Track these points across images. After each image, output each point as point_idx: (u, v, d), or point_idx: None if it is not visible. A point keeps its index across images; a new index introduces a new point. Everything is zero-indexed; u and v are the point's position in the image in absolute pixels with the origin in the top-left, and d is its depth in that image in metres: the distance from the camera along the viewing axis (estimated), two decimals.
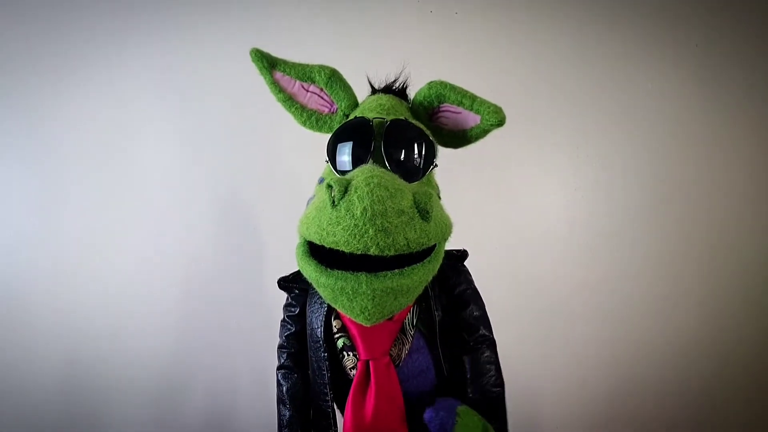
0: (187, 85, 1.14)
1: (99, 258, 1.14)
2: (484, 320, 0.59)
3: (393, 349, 0.53)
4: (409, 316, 0.54)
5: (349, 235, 0.39)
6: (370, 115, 0.51)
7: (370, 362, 0.52)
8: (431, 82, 0.54)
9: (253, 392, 1.16)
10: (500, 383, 0.56)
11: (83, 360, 1.15)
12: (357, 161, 0.48)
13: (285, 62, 0.56)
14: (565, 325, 1.18)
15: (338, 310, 0.46)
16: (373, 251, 0.39)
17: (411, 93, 0.59)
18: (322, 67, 0.55)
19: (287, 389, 0.60)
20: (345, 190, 0.40)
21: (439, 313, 0.55)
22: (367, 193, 0.39)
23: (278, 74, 0.56)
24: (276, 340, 0.64)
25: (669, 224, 1.18)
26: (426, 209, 0.41)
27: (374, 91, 0.59)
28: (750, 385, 1.20)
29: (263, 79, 0.55)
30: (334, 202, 0.40)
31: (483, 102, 0.51)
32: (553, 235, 1.17)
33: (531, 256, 1.17)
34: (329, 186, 0.40)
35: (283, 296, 0.64)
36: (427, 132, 0.51)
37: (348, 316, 0.46)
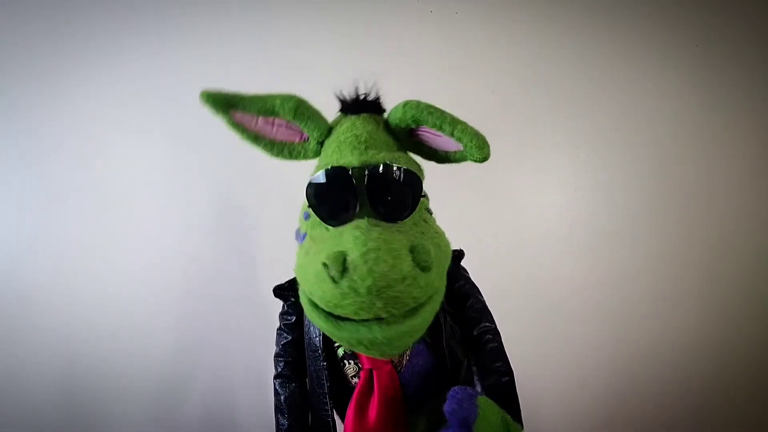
0: (186, 85, 1.14)
1: (98, 258, 1.14)
2: (485, 312, 0.59)
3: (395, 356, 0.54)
4: None
5: (357, 308, 0.39)
6: (346, 151, 0.48)
7: (374, 371, 0.52)
8: (406, 102, 0.49)
9: (252, 392, 1.16)
10: (509, 371, 0.56)
11: (83, 360, 1.15)
12: (343, 213, 0.46)
13: (243, 99, 0.50)
14: (565, 325, 1.18)
15: (358, 352, 0.47)
16: (384, 316, 0.40)
17: (387, 105, 0.56)
18: (284, 99, 0.50)
19: (285, 398, 0.59)
20: (342, 267, 0.39)
21: (445, 320, 0.56)
22: (368, 271, 0.38)
23: (238, 114, 0.50)
24: (272, 341, 0.63)
25: (669, 224, 1.18)
26: (425, 263, 0.41)
27: (345, 107, 0.55)
28: (750, 385, 1.20)
29: (222, 121, 0.49)
30: (333, 280, 0.39)
31: (465, 130, 0.47)
32: (553, 235, 1.17)
33: (531, 256, 1.17)
34: (324, 265, 0.39)
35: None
36: (412, 167, 0.48)
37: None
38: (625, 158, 1.17)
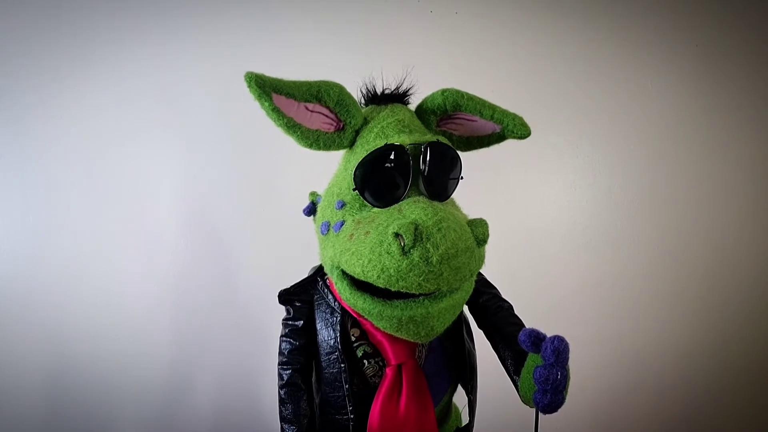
0: (188, 86, 1.14)
1: (98, 258, 1.14)
2: (486, 283, 0.62)
3: (416, 351, 0.54)
4: None
5: (422, 280, 0.40)
6: (392, 134, 0.50)
7: (402, 366, 0.52)
8: (445, 90, 0.53)
9: (251, 393, 1.16)
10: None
11: (83, 360, 1.15)
12: (394, 192, 0.47)
13: (288, 83, 0.47)
14: (565, 325, 1.17)
15: (400, 336, 0.46)
16: (445, 288, 0.42)
17: (415, 98, 0.58)
18: (329, 85, 0.49)
19: (295, 409, 0.56)
20: (414, 236, 0.39)
21: (463, 314, 0.57)
22: (441, 239, 0.40)
23: (280, 98, 0.47)
24: (269, 342, 0.62)
25: (669, 224, 1.18)
26: (482, 235, 0.44)
27: (374, 98, 0.56)
28: (751, 385, 1.20)
29: (261, 106, 0.46)
30: (404, 250, 0.39)
31: (505, 112, 0.53)
32: (553, 234, 1.17)
33: (531, 256, 1.17)
34: (397, 234, 0.40)
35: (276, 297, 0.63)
36: (455, 149, 0.51)
37: (398, 335, 0.47)
38: (625, 158, 1.17)
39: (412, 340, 0.47)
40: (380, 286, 0.42)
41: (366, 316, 0.47)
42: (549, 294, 1.17)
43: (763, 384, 1.20)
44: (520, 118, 0.53)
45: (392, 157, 0.47)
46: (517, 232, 1.16)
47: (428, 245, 0.39)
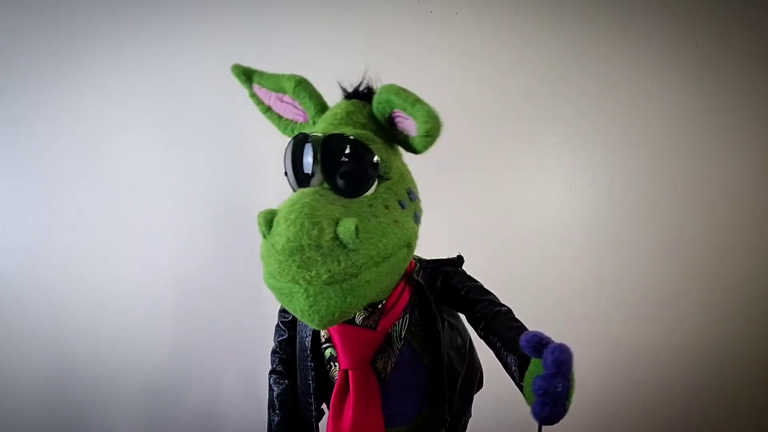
0: (188, 86, 1.14)
1: (99, 258, 1.15)
2: (483, 290, 0.56)
3: (378, 361, 0.52)
4: (396, 327, 0.52)
5: (279, 268, 0.40)
6: (322, 125, 0.51)
7: (350, 372, 0.51)
8: (383, 85, 0.49)
9: (250, 394, 1.16)
10: (503, 304, 0.54)
11: (82, 360, 1.15)
12: (301, 179, 0.49)
13: (260, 74, 0.57)
14: (565, 326, 1.18)
15: (289, 311, 0.45)
16: (301, 284, 0.40)
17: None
18: (290, 77, 0.54)
19: (277, 394, 0.60)
20: (269, 226, 0.41)
21: (443, 327, 0.54)
22: (284, 229, 0.39)
23: (256, 87, 0.57)
24: (268, 343, 0.63)
25: (669, 224, 1.18)
26: (348, 241, 0.40)
27: (346, 94, 0.57)
28: (751, 385, 1.20)
29: (245, 91, 0.57)
30: (263, 235, 0.42)
31: (421, 107, 0.44)
32: (553, 235, 1.17)
33: (530, 256, 1.17)
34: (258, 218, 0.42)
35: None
36: (370, 144, 0.47)
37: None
38: (625, 158, 1.17)
39: (309, 325, 0.45)
40: (264, 265, 0.44)
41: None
42: (549, 294, 1.17)
43: (764, 384, 1.20)
44: (430, 112, 0.44)
45: (297, 147, 0.48)
46: (517, 233, 1.16)
47: (274, 233, 0.40)
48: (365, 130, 0.49)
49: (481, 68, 1.14)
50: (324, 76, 0.59)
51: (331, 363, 0.55)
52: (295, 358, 0.60)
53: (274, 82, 0.55)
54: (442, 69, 1.13)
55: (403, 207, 0.49)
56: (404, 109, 0.46)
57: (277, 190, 1.12)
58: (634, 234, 1.18)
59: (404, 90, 0.47)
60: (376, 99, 0.49)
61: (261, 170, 1.14)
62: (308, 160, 0.47)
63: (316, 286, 0.40)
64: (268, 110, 0.58)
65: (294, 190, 0.50)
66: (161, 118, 1.14)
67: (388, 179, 0.49)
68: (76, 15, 1.12)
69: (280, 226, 0.40)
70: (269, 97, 0.57)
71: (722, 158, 1.18)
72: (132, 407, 1.17)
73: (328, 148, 0.46)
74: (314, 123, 0.55)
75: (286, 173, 0.51)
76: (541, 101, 1.15)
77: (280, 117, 0.58)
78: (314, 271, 0.39)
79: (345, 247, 0.40)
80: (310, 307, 0.41)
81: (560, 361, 0.37)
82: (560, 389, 0.37)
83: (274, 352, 0.63)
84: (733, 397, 1.20)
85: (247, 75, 0.57)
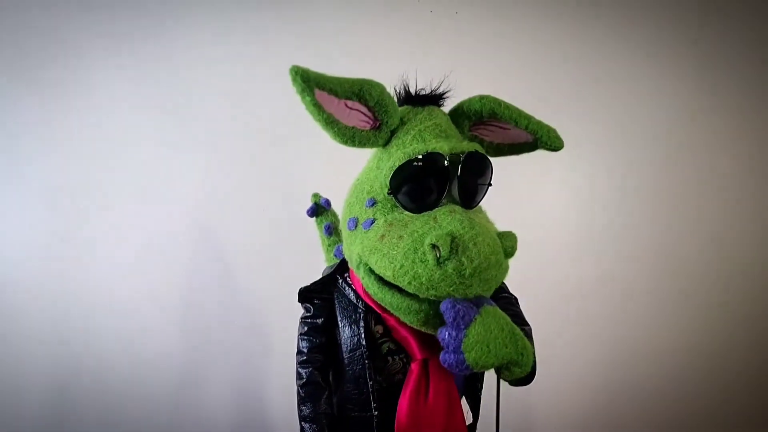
0: (188, 86, 1.14)
1: (99, 258, 1.14)
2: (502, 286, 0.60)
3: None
4: None
5: (452, 290, 0.41)
6: (430, 138, 0.50)
7: (429, 361, 0.52)
8: (483, 96, 0.55)
9: (252, 395, 1.16)
10: (527, 324, 0.57)
11: (83, 360, 1.15)
12: (428, 197, 0.48)
13: (330, 80, 0.47)
14: (565, 324, 1.18)
15: (426, 330, 0.47)
16: (470, 295, 0.43)
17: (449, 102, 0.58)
18: (371, 85, 0.49)
19: (315, 407, 0.56)
20: (450, 248, 0.41)
21: None
22: (476, 253, 0.41)
23: (318, 92, 0.47)
24: (275, 344, 0.62)
25: (668, 224, 1.18)
26: (511, 248, 0.45)
27: (408, 99, 0.56)
28: (750, 385, 1.20)
29: (301, 100, 0.46)
30: (439, 261, 0.41)
31: (540, 123, 0.55)
32: (553, 234, 1.17)
33: (530, 256, 1.17)
34: (433, 246, 0.41)
35: (284, 297, 0.63)
36: (488, 157, 0.52)
37: (424, 329, 0.47)
38: (624, 158, 1.17)
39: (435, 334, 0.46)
40: (410, 291, 0.43)
41: (393, 311, 0.47)
42: (549, 294, 1.17)
43: (763, 384, 1.20)
44: (554, 131, 0.55)
45: (432, 164, 0.47)
46: (517, 232, 1.16)
47: (463, 258, 0.41)
48: (472, 142, 0.52)
49: (481, 68, 1.14)
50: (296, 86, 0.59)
51: (389, 357, 0.54)
52: (329, 365, 0.58)
53: (348, 88, 0.48)
54: (442, 69, 1.13)
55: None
56: (516, 123, 0.54)
57: (288, 191, 1.12)
58: (633, 234, 1.18)
59: (510, 104, 0.55)
60: (473, 106, 0.55)
61: (269, 173, 1.14)
62: (441, 178, 0.48)
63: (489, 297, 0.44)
64: (330, 119, 0.48)
65: (405, 207, 0.49)
66: (165, 118, 1.14)
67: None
68: (76, 16, 1.12)
69: (470, 251, 0.41)
70: (334, 104, 0.48)
71: (722, 157, 1.18)
72: (134, 408, 1.17)
73: (470, 168, 0.49)
74: (389, 131, 0.53)
75: (383, 196, 0.50)
76: (541, 101, 1.15)
77: (344, 125, 0.49)
78: (489, 286, 0.43)
79: (507, 256, 0.45)
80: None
81: (443, 311, 0.42)
82: (447, 338, 0.41)
83: (304, 363, 0.58)
84: (733, 396, 1.20)
85: (314, 80, 0.45)
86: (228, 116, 1.14)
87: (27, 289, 1.14)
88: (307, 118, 0.48)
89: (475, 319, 0.41)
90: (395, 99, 0.54)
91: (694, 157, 1.18)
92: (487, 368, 0.43)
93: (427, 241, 0.41)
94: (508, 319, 0.45)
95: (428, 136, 0.51)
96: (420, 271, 0.41)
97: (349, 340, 0.55)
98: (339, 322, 0.56)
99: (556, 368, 1.17)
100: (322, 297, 0.58)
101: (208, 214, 1.15)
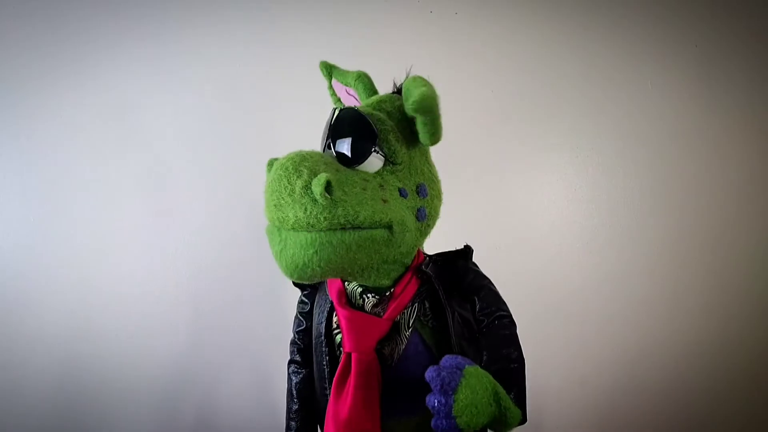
0: (188, 86, 1.14)
1: (100, 258, 1.15)
2: (498, 300, 0.57)
3: (386, 348, 0.53)
4: (404, 316, 0.53)
5: (267, 207, 0.45)
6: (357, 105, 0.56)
7: (352, 355, 0.52)
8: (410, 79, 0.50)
9: (254, 394, 1.16)
10: (519, 359, 0.54)
11: (85, 360, 1.15)
12: (324, 147, 0.53)
13: (337, 69, 0.64)
14: (565, 324, 1.18)
15: (280, 267, 0.46)
16: (276, 224, 0.44)
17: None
18: (353, 72, 0.61)
19: (296, 383, 0.64)
20: (269, 164, 0.47)
21: (453, 318, 0.53)
22: (272, 172, 0.44)
23: (333, 80, 0.65)
24: (281, 342, 0.64)
25: (669, 224, 1.18)
26: (315, 192, 0.41)
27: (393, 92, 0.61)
28: (751, 385, 1.20)
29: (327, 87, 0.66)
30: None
31: (412, 84, 0.47)
32: (553, 235, 1.18)
33: (530, 256, 1.17)
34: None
35: (287, 295, 0.65)
36: (376, 123, 0.49)
37: (280, 266, 0.46)
38: (624, 159, 1.17)
39: (287, 275, 0.45)
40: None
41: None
42: (549, 294, 1.17)
43: (764, 384, 1.20)
44: (423, 89, 0.45)
45: (329, 118, 0.53)
46: (518, 232, 1.16)
47: (267, 175, 0.46)
48: (383, 114, 0.52)
49: (481, 69, 1.14)
50: (322, 76, 0.61)
51: (340, 348, 0.55)
52: (311, 347, 0.61)
53: (345, 77, 0.63)
54: (442, 69, 1.13)
55: (402, 195, 0.50)
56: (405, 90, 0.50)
57: None
58: (634, 234, 1.18)
59: (419, 81, 0.48)
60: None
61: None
62: (326, 130, 0.52)
63: (284, 230, 0.43)
64: (338, 101, 0.65)
65: None
66: (166, 118, 1.14)
67: (394, 164, 0.50)
68: (76, 15, 1.12)
69: (272, 170, 0.45)
70: (342, 90, 0.64)
71: (722, 158, 1.18)
72: (137, 408, 1.17)
73: (339, 118, 0.51)
74: None
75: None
76: (540, 101, 1.15)
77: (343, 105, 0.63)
78: (282, 214, 0.43)
79: (313, 199, 0.42)
80: (280, 251, 0.44)
81: (429, 380, 0.41)
82: (436, 405, 0.40)
83: (292, 342, 0.65)
84: (734, 396, 1.20)
85: (328, 70, 0.65)
86: (230, 115, 1.14)
87: (23, 289, 1.14)
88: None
89: (461, 382, 0.41)
90: (392, 92, 0.58)
91: (695, 158, 1.18)
92: (478, 428, 0.42)
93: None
94: (490, 377, 0.44)
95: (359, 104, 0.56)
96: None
97: (315, 328, 0.59)
98: (314, 310, 0.61)
99: (560, 368, 1.17)
100: (312, 284, 0.63)
101: (213, 213, 1.16)
